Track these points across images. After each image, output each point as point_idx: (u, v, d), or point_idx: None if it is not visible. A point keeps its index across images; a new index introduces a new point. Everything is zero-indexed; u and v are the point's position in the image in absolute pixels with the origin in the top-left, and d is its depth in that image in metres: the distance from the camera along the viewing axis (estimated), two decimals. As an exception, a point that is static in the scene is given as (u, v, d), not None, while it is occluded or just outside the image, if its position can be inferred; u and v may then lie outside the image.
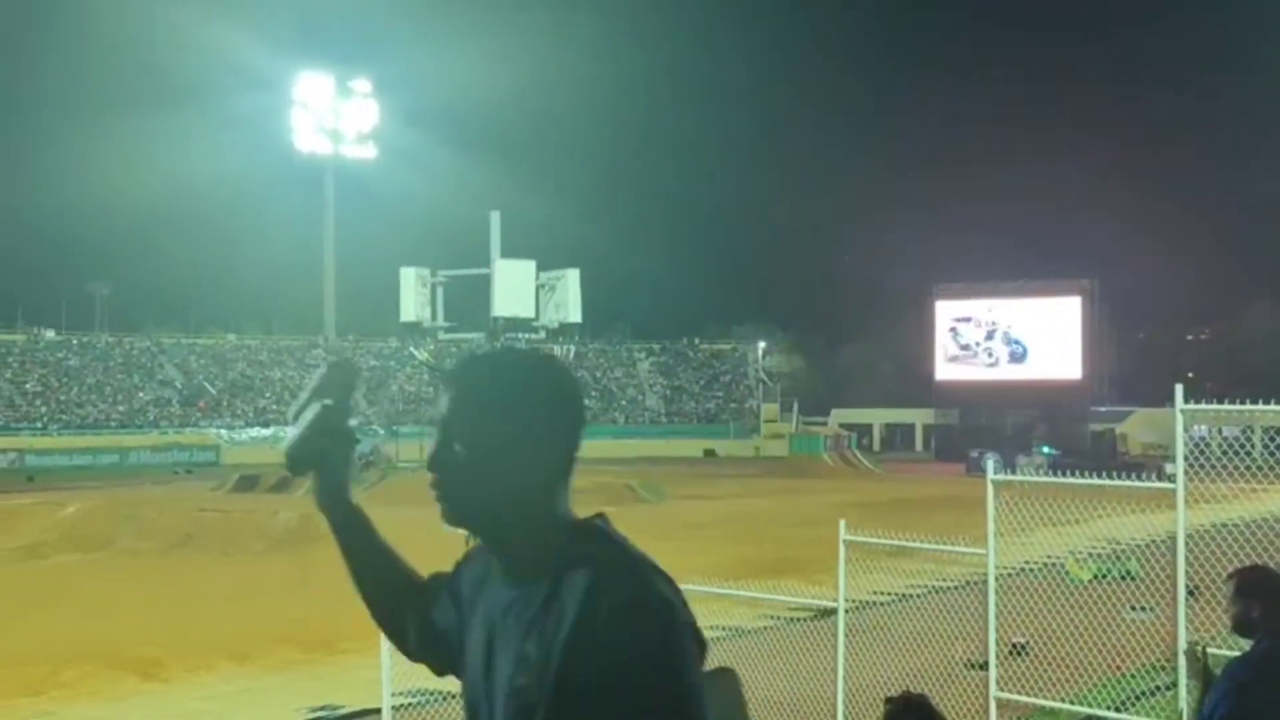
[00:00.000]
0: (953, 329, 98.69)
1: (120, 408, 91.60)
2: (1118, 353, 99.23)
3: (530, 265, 10.87)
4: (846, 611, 12.92)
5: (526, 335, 10.87)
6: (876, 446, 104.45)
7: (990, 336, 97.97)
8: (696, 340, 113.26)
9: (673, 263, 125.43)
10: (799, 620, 21.86)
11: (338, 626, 23.90)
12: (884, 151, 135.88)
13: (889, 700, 4.19)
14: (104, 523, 43.22)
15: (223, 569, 35.30)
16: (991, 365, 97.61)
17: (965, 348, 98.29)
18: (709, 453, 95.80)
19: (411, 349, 13.86)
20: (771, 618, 23.03)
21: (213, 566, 35.91)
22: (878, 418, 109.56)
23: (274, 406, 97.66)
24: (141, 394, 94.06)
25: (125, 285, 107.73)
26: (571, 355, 13.69)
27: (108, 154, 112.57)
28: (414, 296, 10.65)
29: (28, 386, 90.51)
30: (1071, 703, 13.70)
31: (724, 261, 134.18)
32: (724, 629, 20.74)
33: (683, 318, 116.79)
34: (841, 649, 12.80)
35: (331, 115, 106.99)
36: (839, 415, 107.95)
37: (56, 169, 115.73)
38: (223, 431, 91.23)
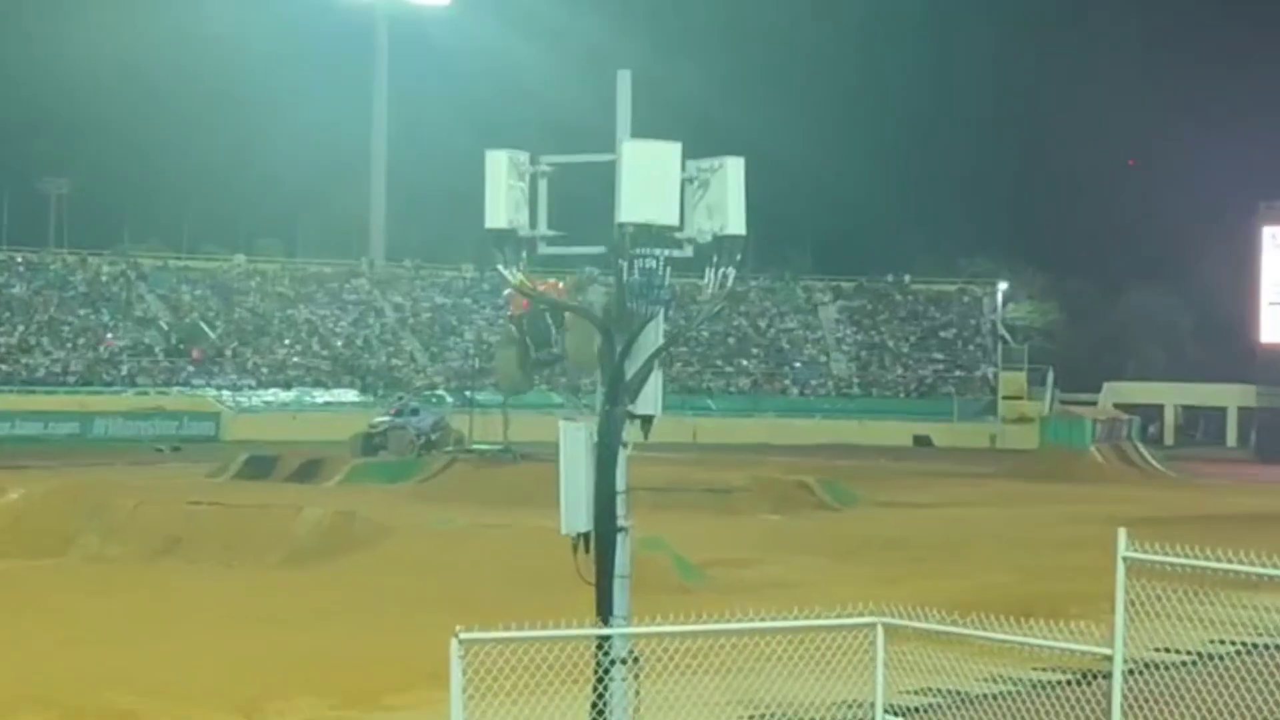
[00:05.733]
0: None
1: (82, 356, 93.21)
2: None
3: (673, 150, 10.50)
4: (1126, 673, 12.75)
5: (665, 251, 10.54)
6: (1169, 439, 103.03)
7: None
8: (906, 278, 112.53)
9: (875, 165, 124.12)
10: (1051, 684, 21.58)
11: (382, 670, 24.15)
12: (1190, 29, 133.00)
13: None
14: (58, 517, 44.01)
15: (223, 587, 35.83)
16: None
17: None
18: (921, 441, 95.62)
19: (500, 269, 13.30)
20: (1010, 680, 22.78)
21: (209, 582, 36.45)
22: (1171, 396, 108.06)
23: (298, 359, 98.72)
24: (113, 336, 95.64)
25: (92, 183, 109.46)
26: (728, 285, 12.99)
27: (68, 3, 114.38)
28: (505, 193, 10.28)
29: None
30: None
31: (950, 168, 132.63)
32: (939, 692, 20.56)
33: (887, 245, 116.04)
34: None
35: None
36: (1114, 391, 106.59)
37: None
38: (226, 393, 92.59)
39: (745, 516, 50.22)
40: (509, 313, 47.91)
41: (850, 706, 15.36)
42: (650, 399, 13.30)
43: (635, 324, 13.15)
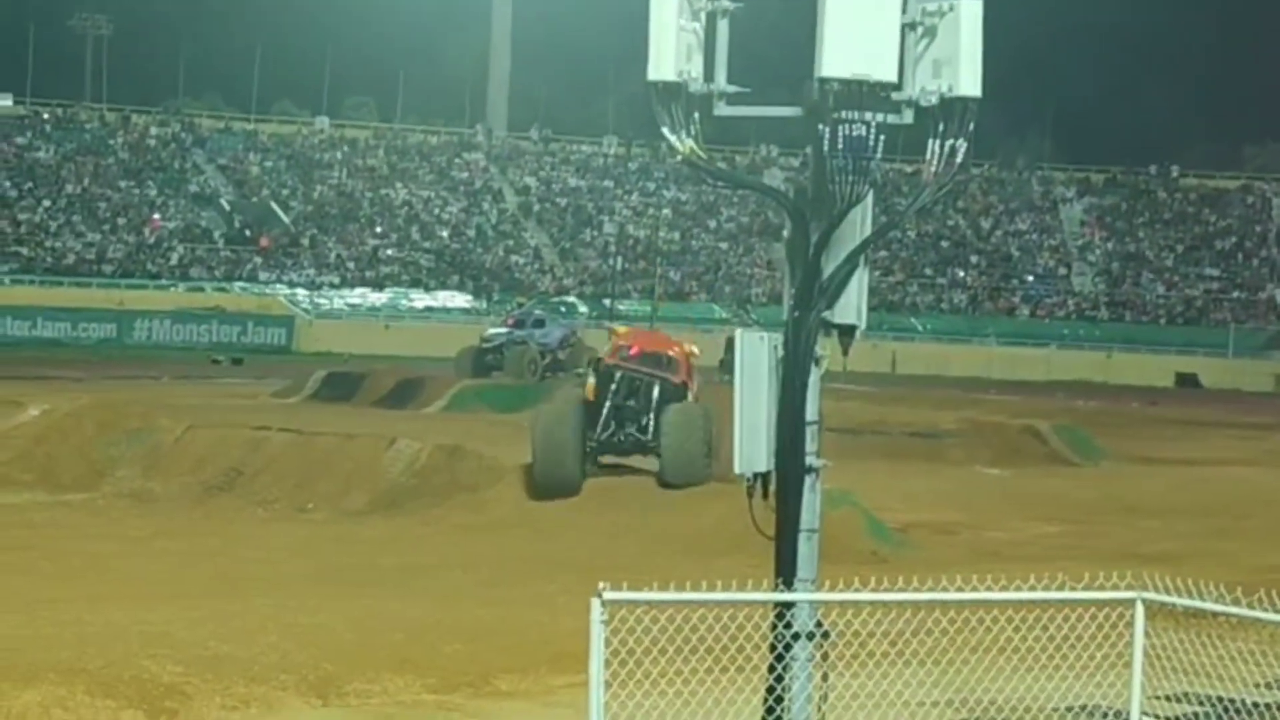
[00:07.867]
0: None
1: (122, 241, 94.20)
2: None
3: (891, -16, 10.58)
4: None
5: (879, 116, 10.45)
6: None
7: None
8: (1173, 170, 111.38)
9: (1138, 20, 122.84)
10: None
11: (491, 645, 24.34)
12: None
13: None
14: (89, 442, 44.76)
15: (294, 534, 36.32)
16: None
17: None
18: (1186, 380, 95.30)
19: (665, 133, 13.13)
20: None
21: (276, 529, 36.98)
22: None
23: (392, 252, 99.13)
24: (161, 217, 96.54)
25: (138, 22, 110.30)
26: (958, 161, 12.83)
27: None
28: (674, 35, 10.18)
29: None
30: None
31: (1234, 26, 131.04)
32: (1203, 699, 20.45)
33: (1149, 126, 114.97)
34: None
35: None
36: None
37: None
38: (301, 293, 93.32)
39: (957, 469, 50.17)
40: (603, 354, 46.77)
41: (1089, 715, 15.35)
42: (852, 305, 13.24)
43: (837, 208, 13.09)
